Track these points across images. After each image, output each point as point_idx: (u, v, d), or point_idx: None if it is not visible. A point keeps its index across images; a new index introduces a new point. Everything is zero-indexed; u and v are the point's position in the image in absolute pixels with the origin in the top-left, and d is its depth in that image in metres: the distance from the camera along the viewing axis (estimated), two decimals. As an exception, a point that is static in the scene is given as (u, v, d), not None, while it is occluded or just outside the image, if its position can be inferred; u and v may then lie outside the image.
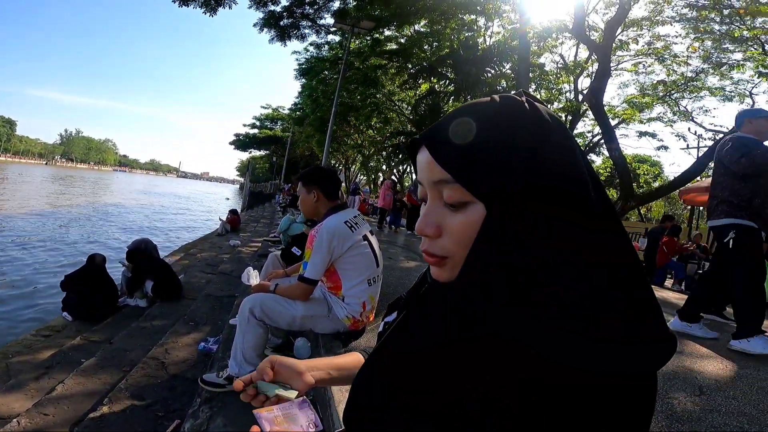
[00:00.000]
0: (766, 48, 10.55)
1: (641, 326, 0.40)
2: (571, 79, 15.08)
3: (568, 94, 15.91)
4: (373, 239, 2.37)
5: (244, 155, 56.19)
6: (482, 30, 14.56)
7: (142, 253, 4.85)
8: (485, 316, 0.42)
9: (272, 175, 44.06)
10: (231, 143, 46.70)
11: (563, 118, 16.67)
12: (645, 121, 15.47)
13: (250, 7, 10.93)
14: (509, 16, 12.49)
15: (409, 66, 15.63)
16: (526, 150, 0.44)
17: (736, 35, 10.36)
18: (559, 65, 15.42)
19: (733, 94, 12.95)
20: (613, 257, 0.43)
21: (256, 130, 43.80)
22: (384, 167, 26.16)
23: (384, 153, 23.18)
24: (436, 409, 0.43)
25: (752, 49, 10.88)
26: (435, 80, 15.42)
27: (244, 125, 45.78)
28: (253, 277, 2.50)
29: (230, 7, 10.23)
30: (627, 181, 9.79)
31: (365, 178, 31.98)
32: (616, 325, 0.39)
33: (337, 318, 2.23)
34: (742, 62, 11.65)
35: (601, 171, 22.93)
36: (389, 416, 0.47)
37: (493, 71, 13.87)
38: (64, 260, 8.63)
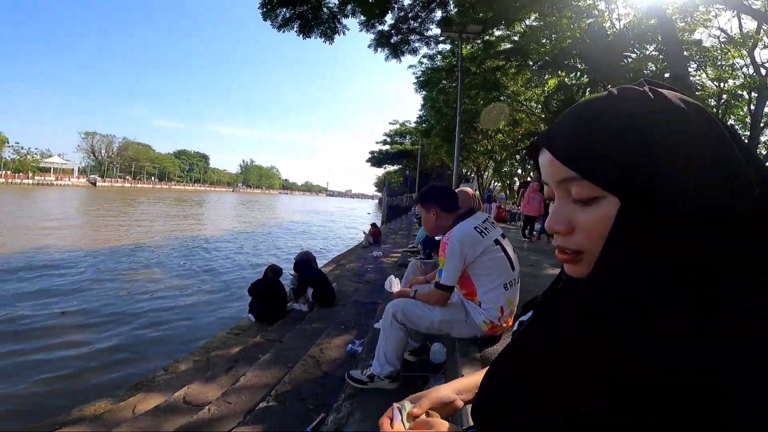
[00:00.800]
0: None
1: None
2: (744, 52, 12.42)
3: (745, 69, 13.12)
4: (506, 242, 2.30)
5: (380, 171, 59.34)
6: (605, 14, 12.87)
7: (305, 264, 5.48)
8: (612, 310, 0.41)
9: (407, 188, 45.50)
10: (367, 161, 49.66)
11: (745, 96, 13.76)
12: None
13: (361, 30, 11.46)
14: None
15: (530, 63, 14.59)
16: (654, 140, 0.41)
17: None
18: (722, 39, 12.83)
19: None
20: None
21: (387, 146, 45.77)
22: (519, 171, 24.82)
23: (517, 156, 21.95)
24: (564, 406, 0.42)
25: None
26: (563, 74, 14.07)
27: (377, 142, 48.34)
28: (395, 284, 2.60)
29: (344, 34, 11.06)
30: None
31: (500, 184, 30.75)
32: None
33: (475, 323, 2.20)
34: None
35: None
36: (518, 413, 0.48)
37: (633, 55, 12.10)
38: (250, 271, 10.25)
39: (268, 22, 10.43)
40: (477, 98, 17.81)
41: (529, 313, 0.64)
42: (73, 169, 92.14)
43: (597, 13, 12.70)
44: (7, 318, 5.73)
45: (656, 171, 0.41)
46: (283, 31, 10.80)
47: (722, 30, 12.99)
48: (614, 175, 0.43)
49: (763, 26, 10.55)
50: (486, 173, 32.45)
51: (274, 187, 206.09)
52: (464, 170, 33.96)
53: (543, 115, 18.79)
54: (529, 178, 8.85)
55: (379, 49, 12.24)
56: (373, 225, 14.03)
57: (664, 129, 0.42)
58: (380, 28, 11.59)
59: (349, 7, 10.69)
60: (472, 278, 2.21)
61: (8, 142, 79.08)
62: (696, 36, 12.90)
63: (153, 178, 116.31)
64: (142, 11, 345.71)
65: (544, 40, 13.95)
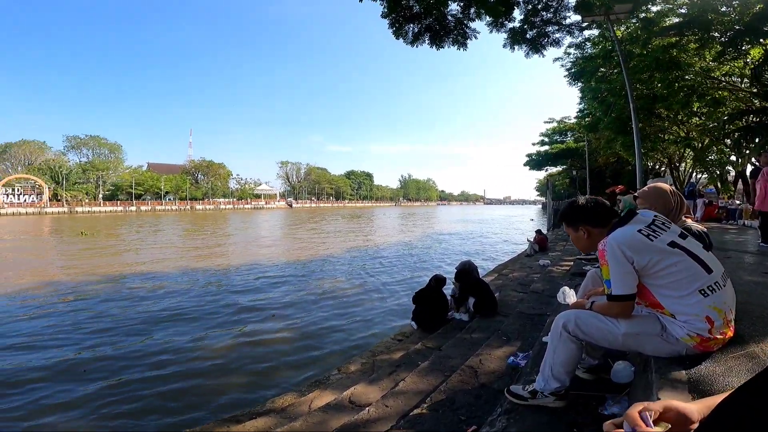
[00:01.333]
0: None
1: None
2: None
3: None
4: (689, 242, 1.82)
5: (541, 174, 55.42)
6: None
7: (467, 274, 5.40)
8: None
9: (574, 189, 41.30)
10: (525, 164, 46.94)
11: None
12: None
13: (491, 32, 10.88)
14: None
15: (716, 35, 11.71)
16: None
17: None
18: None
19: None
20: None
21: (546, 147, 42.74)
22: (732, 158, 19.96)
23: (728, 141, 17.59)
24: None
25: None
26: (766, 40, 10.89)
27: (533, 144, 45.43)
28: (569, 295, 2.37)
29: (475, 38, 10.66)
30: None
31: (705, 176, 25.25)
32: None
33: (675, 338, 1.77)
34: None
35: None
36: None
37: None
38: (416, 280, 10.70)
39: (401, 40, 10.81)
40: (652, 81, 15.35)
41: None
42: (275, 194, 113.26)
43: None
44: (238, 319, 7.23)
45: None
46: (417, 46, 11.04)
47: None
48: None
49: None
50: (683, 164, 27.24)
51: (432, 198, 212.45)
52: (650, 163, 29.09)
53: (754, 90, 14.86)
54: (757, 163, 6.60)
55: (516, 47, 11.52)
56: (538, 232, 13.08)
57: None
58: (510, 25, 10.87)
59: (472, 10, 10.35)
60: (650, 290, 1.80)
61: (232, 175, 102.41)
62: None
63: (330, 197, 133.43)
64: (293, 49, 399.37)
65: (723, 8, 11.34)
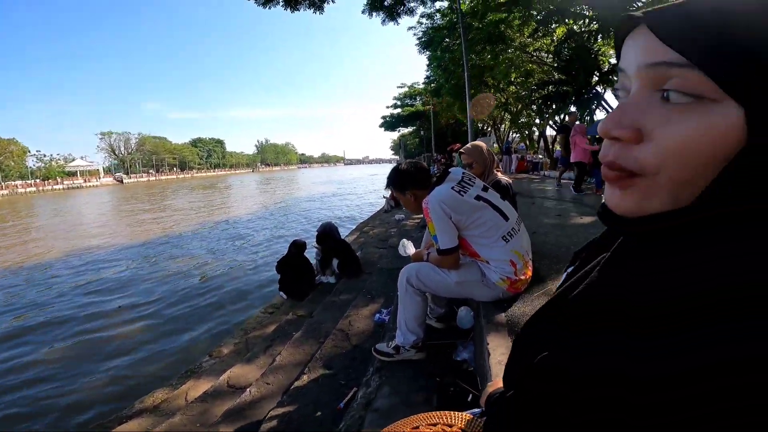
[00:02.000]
0: None
1: None
2: None
3: None
4: (490, 194, 2.13)
5: (395, 134, 58.58)
6: None
7: (327, 236, 5.48)
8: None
9: (423, 148, 44.86)
10: (380, 126, 49.07)
11: None
12: None
13: None
14: None
15: (534, 13, 13.77)
16: None
17: None
18: None
19: None
20: None
21: (399, 110, 45.05)
22: (537, 120, 24.09)
23: (534, 107, 21.19)
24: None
25: None
26: (571, 22, 13.25)
27: (387, 107, 47.58)
28: (408, 247, 2.50)
29: (333, 1, 10.79)
30: None
31: (518, 135, 30.03)
32: None
33: (492, 283, 2.07)
34: None
35: None
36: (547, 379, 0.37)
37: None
38: (279, 247, 10.40)
39: (251, 1, 10.04)
40: (484, 53, 17.29)
41: (576, 264, 0.54)
42: (98, 170, 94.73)
43: None
44: (71, 316, 6.05)
45: None
46: (269, 7, 10.38)
47: None
48: (746, 72, 0.29)
49: None
50: (503, 126, 31.69)
51: (292, 162, 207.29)
52: (480, 125, 33.22)
53: (555, 64, 17.98)
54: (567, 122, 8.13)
55: (374, 14, 11.72)
56: (393, 188, 13.88)
57: None
58: None
59: None
60: (467, 239, 2.07)
61: (30, 152, 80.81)
62: None
63: (175, 168, 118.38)
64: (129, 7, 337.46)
65: None
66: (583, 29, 13.84)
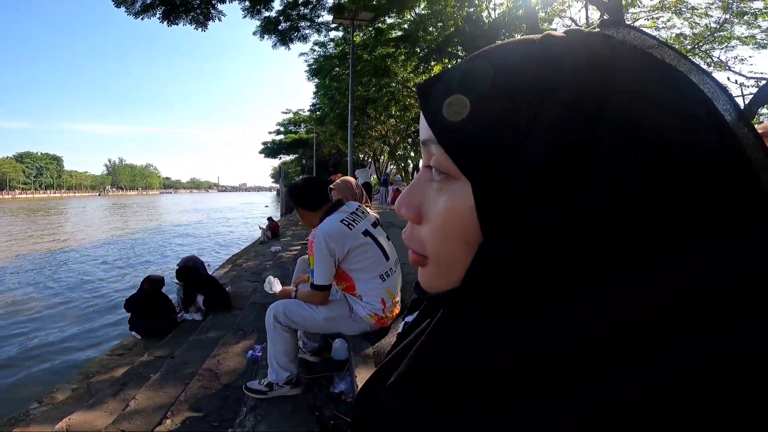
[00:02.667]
0: None
1: None
2: None
3: None
4: (378, 231, 2.29)
5: (276, 161, 57.24)
6: (484, 3, 14.11)
7: (189, 271, 5.12)
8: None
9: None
10: (260, 152, 47.43)
11: None
12: None
13: (245, 16, 10.86)
14: None
15: (418, 50, 15.40)
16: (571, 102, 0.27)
17: None
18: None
19: (765, 41, 12.15)
20: None
21: (281, 136, 44.25)
22: (411, 153, 26.13)
23: (409, 140, 23.14)
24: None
25: None
26: (446, 61, 15.15)
27: (270, 132, 46.51)
28: (274, 284, 2.51)
29: (219, 20, 10.34)
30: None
31: (395, 167, 32.11)
32: None
33: (360, 317, 2.20)
34: (764, 10, 10.93)
35: None
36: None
37: None
38: (130, 282, 9.26)
39: (123, 9, 9.26)
40: (369, 85, 18.26)
41: (416, 314, 0.51)
42: None
43: (477, 2, 13.80)
44: None
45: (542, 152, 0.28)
46: (143, 18, 9.61)
47: (573, 20, 14.94)
48: (476, 148, 0.28)
49: (604, 16, 12.32)
50: (382, 157, 33.34)
51: (153, 187, 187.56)
52: (361, 156, 34.62)
53: None
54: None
55: (266, 37, 11.64)
56: (270, 219, 13.60)
57: (595, 90, 0.28)
58: (267, 14, 11.06)
59: None
60: (348, 273, 2.18)
61: None
62: (553, 25, 14.52)
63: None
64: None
65: (431, 28, 14.78)
66: None
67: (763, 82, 10.85)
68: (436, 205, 0.32)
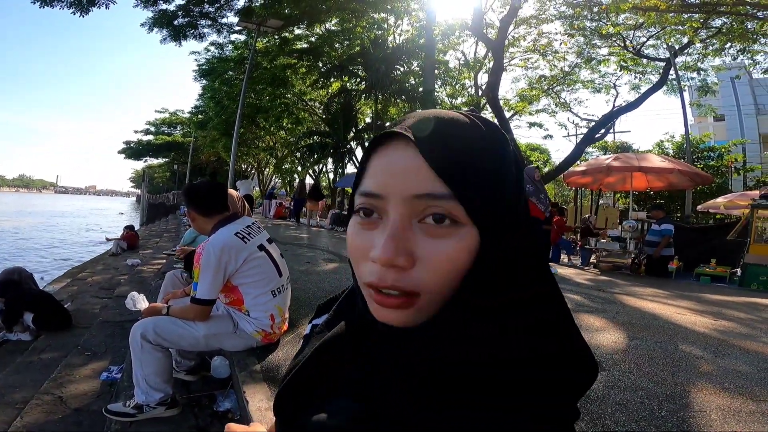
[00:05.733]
0: (626, 43, 12.50)
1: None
2: (472, 75, 16.38)
3: (470, 89, 17.29)
4: (272, 247, 2.34)
5: (139, 164, 51.72)
6: (392, 28, 15.17)
7: (12, 285, 4.45)
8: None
9: (174, 184, 41.34)
10: (120, 152, 42.69)
11: None
12: (534, 112, 17.67)
13: (136, 6, 10.12)
14: (417, 14, 13.30)
15: (320, 65, 15.75)
16: (510, 173, 0.42)
17: (603, 32, 12.07)
18: (461, 62, 16.70)
19: (600, 85, 15.16)
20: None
21: (150, 137, 40.87)
22: (299, 168, 26.05)
23: (298, 154, 23.09)
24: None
25: (616, 44, 12.79)
26: (346, 79, 15.76)
27: (136, 131, 42.35)
28: (139, 301, 2.36)
29: (107, 7, 9.42)
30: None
31: (280, 181, 31.58)
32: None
33: (246, 333, 2.19)
34: (607, 57, 13.64)
35: None
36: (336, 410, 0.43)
37: (402, 69, 14.51)
38: None
39: None
40: (263, 93, 18.26)
41: (323, 317, 0.57)
42: None
43: (386, 26, 14.69)
44: None
45: (513, 207, 0.42)
46: None
47: (464, 54, 16.87)
48: (485, 204, 0.39)
49: (488, 53, 14.14)
50: (267, 170, 32.78)
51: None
52: (244, 166, 33.37)
53: (324, 116, 20.46)
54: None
55: (156, 29, 10.79)
56: (129, 228, 12.29)
57: (515, 163, 0.43)
58: (165, 6, 10.47)
59: None
60: (238, 287, 2.18)
61: None
62: (447, 57, 16.41)
63: None
64: None
65: (337, 45, 15.41)
66: (353, 87, 16.40)
67: (592, 123, 13.73)
68: (440, 248, 0.39)
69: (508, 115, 15.74)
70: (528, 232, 0.42)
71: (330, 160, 20.44)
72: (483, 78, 15.59)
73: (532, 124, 18.72)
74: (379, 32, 14.62)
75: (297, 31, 15.19)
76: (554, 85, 15.84)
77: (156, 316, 2.12)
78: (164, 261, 7.46)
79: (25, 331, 4.28)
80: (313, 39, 15.70)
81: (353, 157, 21.84)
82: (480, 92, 15.71)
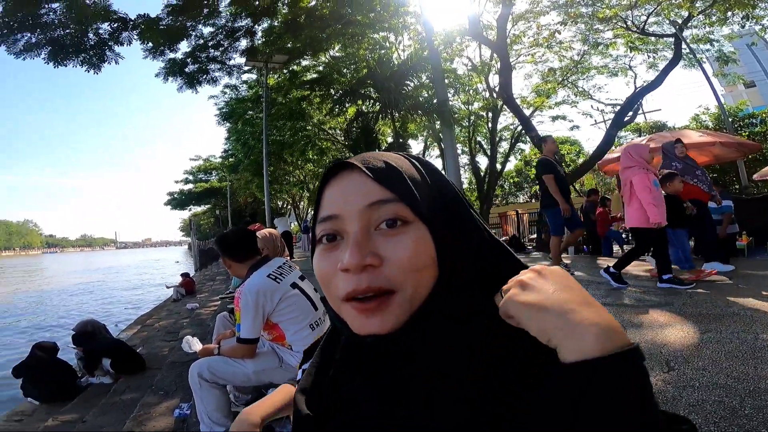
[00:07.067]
0: (628, 24, 11.90)
1: None
2: (482, 78, 15.94)
3: (484, 93, 16.83)
4: (305, 284, 2.40)
5: (186, 213, 53.26)
6: (394, 46, 14.94)
7: (88, 336, 4.83)
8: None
9: (219, 228, 42.33)
10: (166, 203, 43.50)
11: (484, 116, 17.60)
12: (553, 105, 16.95)
13: (146, 57, 10.22)
14: (416, 27, 13.09)
15: (332, 92, 15.74)
16: (445, 185, 0.51)
17: (600, 15, 11.57)
18: (469, 67, 16.35)
19: (615, 69, 14.44)
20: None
21: (191, 185, 41.65)
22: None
23: (328, 184, 23.28)
24: None
25: (618, 26, 12.21)
26: (360, 102, 15.69)
27: (176, 182, 43.25)
28: (193, 343, 2.50)
29: (116, 62, 9.79)
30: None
31: (316, 214, 31.78)
32: None
33: (291, 366, 2.24)
34: (613, 40, 13.04)
35: (533, 156, 23.72)
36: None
37: (411, 83, 14.37)
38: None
39: (3, 48, 8.63)
40: (284, 129, 18.16)
41: (310, 361, 0.61)
42: None
43: (388, 45, 14.57)
44: None
45: (444, 204, 0.49)
46: (24, 59, 8.93)
47: (470, 59, 16.53)
48: (425, 204, 0.46)
49: (494, 55, 13.73)
50: (302, 203, 32.85)
51: (34, 245, 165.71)
52: (279, 203, 33.66)
53: (346, 143, 20.28)
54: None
55: (171, 78, 10.99)
56: (185, 275, 12.85)
57: (439, 177, 0.52)
58: (172, 55, 10.61)
59: (125, 34, 9.50)
60: (278, 324, 2.26)
61: None
62: (454, 65, 16.11)
63: None
64: None
65: (345, 70, 15.28)
66: (369, 109, 16.39)
67: (617, 107, 13.08)
68: (399, 244, 0.44)
69: (528, 112, 15.24)
70: (475, 227, 0.49)
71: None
72: (495, 80, 15.25)
73: (555, 118, 18.07)
74: (383, 51, 14.37)
75: (304, 63, 15.16)
76: (568, 75, 15.36)
77: (210, 356, 2.25)
78: (218, 303, 7.78)
79: (105, 374, 4.62)
80: (320, 68, 15.67)
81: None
82: (494, 95, 15.31)
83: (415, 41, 14.20)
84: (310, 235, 0.57)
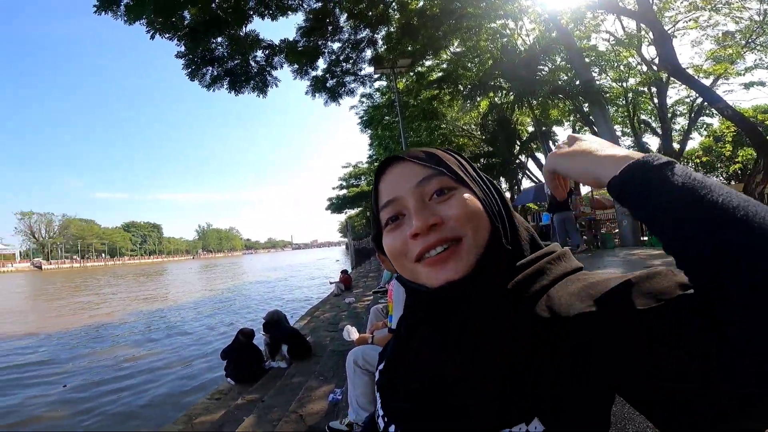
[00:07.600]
0: None
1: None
2: (632, 51, 13.86)
3: (640, 67, 14.62)
4: None
5: (342, 216, 58.09)
6: (516, 32, 13.94)
7: (274, 324, 5.55)
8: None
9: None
10: (327, 208, 47.69)
11: (646, 91, 15.26)
12: (743, 71, 13.73)
13: (295, 78, 11.69)
14: (534, 10, 12.14)
15: (461, 88, 15.40)
16: (468, 162, 0.60)
17: None
18: (612, 42, 14.34)
19: None
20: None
21: (344, 191, 44.59)
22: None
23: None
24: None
25: None
26: (492, 95, 14.95)
27: (333, 188, 46.54)
28: (352, 332, 2.68)
29: (276, 86, 11.36)
30: (757, 135, 8.55)
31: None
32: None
33: None
34: None
35: (725, 131, 19.86)
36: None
37: (546, 68, 13.14)
38: (223, 335, 9.96)
39: (196, 82, 10.63)
40: (420, 129, 18.38)
41: (384, 361, 0.64)
42: (14, 254, 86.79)
43: (508, 32, 13.66)
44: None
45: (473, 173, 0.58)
46: (214, 90, 10.93)
47: (610, 33, 14.52)
48: (461, 172, 0.55)
49: (641, 25, 11.88)
50: None
51: (236, 248, 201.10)
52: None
53: (483, 137, 19.78)
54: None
55: (317, 95, 12.25)
56: (344, 272, 14.13)
57: (468, 161, 0.60)
58: (314, 73, 11.85)
59: (276, 59, 10.99)
60: None
61: None
62: (592, 42, 14.32)
63: (103, 254, 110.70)
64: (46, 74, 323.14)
65: (469, 65, 14.83)
66: (502, 101, 15.45)
67: None
68: (451, 204, 0.52)
69: (708, 82, 12.75)
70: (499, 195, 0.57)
71: (502, 179, 19.52)
72: (651, 52, 13.17)
73: (748, 85, 14.73)
74: (504, 39, 13.49)
75: (427, 63, 15.19)
76: (752, 36, 12.37)
77: (364, 344, 2.42)
78: (371, 297, 8.32)
79: (283, 360, 5.35)
80: (444, 66, 15.51)
81: (526, 172, 20.25)
82: (655, 67, 13.22)
83: (538, 24, 13.03)
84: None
